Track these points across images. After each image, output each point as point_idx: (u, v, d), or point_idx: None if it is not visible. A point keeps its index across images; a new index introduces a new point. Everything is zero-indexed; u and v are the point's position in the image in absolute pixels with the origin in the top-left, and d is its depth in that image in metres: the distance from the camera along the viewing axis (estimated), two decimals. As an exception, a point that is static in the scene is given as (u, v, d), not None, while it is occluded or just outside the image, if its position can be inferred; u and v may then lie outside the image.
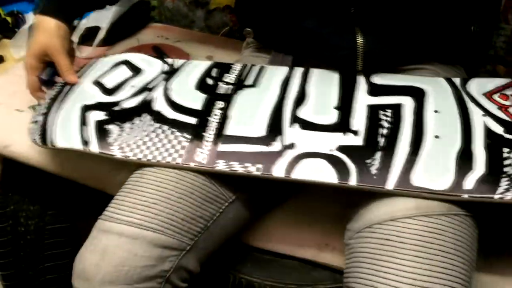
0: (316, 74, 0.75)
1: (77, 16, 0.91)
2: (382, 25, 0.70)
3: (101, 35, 1.13)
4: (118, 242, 0.60)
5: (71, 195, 1.00)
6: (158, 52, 1.13)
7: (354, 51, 0.72)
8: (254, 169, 0.62)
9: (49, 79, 0.84)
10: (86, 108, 0.74)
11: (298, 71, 0.76)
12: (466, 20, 0.73)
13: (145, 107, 0.73)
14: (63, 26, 0.82)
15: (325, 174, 0.60)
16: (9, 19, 1.22)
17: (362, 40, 0.71)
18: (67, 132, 0.71)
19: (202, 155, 0.64)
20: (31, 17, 1.18)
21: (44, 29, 0.81)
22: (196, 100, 0.72)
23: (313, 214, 0.77)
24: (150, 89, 0.76)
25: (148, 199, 0.62)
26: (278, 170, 0.61)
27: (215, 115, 0.69)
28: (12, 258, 1.04)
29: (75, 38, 1.13)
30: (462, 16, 0.71)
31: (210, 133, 0.67)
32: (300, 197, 0.79)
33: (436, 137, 0.62)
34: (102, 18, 1.16)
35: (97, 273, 0.59)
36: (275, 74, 0.76)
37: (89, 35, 1.15)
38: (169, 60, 0.84)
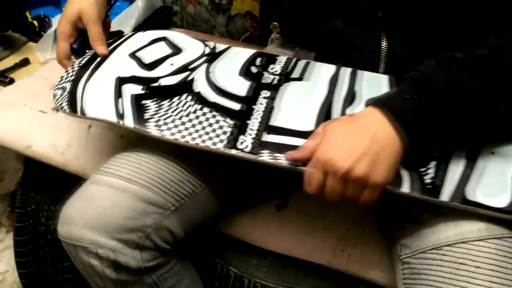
0: (364, 75, 0.72)
1: None
2: (408, 31, 0.69)
3: (123, 39, 1.14)
4: (105, 193, 0.62)
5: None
6: (179, 56, 1.14)
7: (378, 54, 0.71)
8: (300, 163, 0.59)
9: (80, 48, 0.79)
10: (122, 80, 0.71)
11: (346, 71, 0.73)
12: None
13: (185, 87, 0.69)
14: None
15: None
16: (35, 22, 1.25)
17: (386, 43, 0.71)
18: (100, 102, 0.67)
19: (245, 142, 0.61)
20: (57, 21, 1.19)
21: None
22: (240, 86, 0.69)
23: (329, 218, 0.77)
24: (191, 70, 0.73)
25: (140, 158, 0.65)
26: None
27: (261, 103, 0.66)
28: (32, 257, 1.05)
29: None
30: (491, 29, 0.69)
31: (254, 121, 0.64)
32: (316, 200, 0.79)
33: (492, 153, 0.60)
34: (125, 23, 1.18)
35: (80, 219, 0.62)
36: (322, 71, 0.73)
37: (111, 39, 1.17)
38: (211, 43, 0.80)
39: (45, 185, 1.03)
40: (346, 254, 0.73)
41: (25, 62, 1.15)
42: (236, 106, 0.66)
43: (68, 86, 0.71)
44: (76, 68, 0.75)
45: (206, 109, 0.65)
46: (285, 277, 0.74)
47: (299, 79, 0.71)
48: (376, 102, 0.57)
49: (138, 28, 1.18)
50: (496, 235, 0.54)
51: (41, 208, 1.03)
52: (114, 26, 1.17)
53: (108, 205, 0.62)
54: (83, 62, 0.76)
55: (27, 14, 1.27)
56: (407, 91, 0.57)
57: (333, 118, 0.63)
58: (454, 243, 0.55)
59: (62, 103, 0.68)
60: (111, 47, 0.78)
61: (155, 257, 0.66)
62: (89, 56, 0.77)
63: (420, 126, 0.55)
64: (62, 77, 0.74)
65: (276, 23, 0.83)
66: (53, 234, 1.03)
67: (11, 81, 1.07)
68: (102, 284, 0.66)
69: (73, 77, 0.72)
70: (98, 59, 0.76)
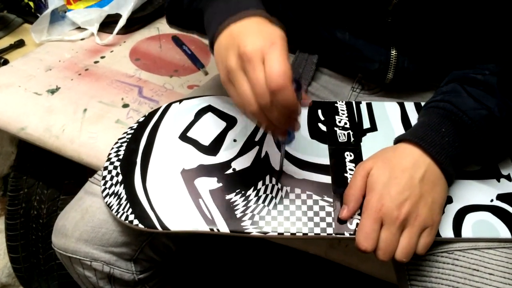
0: None
1: None
2: (418, 43, 0.66)
3: (121, 22, 1.12)
4: (101, 205, 0.61)
5: (84, 181, 1.00)
6: (178, 42, 1.13)
7: (386, 65, 0.68)
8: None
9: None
10: (189, 174, 0.60)
11: (410, 106, 0.68)
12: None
13: (263, 167, 0.61)
14: None
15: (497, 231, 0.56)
16: (31, 3, 1.22)
17: (396, 53, 0.67)
18: (179, 210, 0.57)
19: (356, 220, 0.55)
20: (53, 2, 1.17)
21: None
22: (320, 153, 0.62)
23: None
24: (258, 142, 0.64)
25: None
26: None
27: (350, 169, 0.60)
28: (23, 241, 1.04)
29: (96, 25, 1.13)
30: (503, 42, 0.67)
31: None
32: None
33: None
34: (123, 6, 1.16)
35: (75, 231, 0.61)
36: (389, 112, 0.68)
37: (109, 23, 1.15)
38: None
39: (38, 168, 1.01)
40: (342, 246, 0.72)
41: (20, 44, 1.13)
42: (326, 179, 0.59)
43: (121, 191, 0.60)
44: (116, 164, 0.63)
45: (297, 190, 0.58)
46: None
47: (373, 129, 0.66)
48: (412, 138, 0.55)
49: (136, 11, 1.16)
50: (505, 244, 0.55)
51: (33, 192, 1.02)
52: (111, 9, 1.16)
53: (103, 218, 0.61)
54: (121, 153, 0.64)
55: (23, -5, 1.24)
56: (440, 123, 0.56)
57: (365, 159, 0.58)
58: (466, 248, 0.55)
59: (128, 217, 0.57)
60: (148, 128, 0.67)
61: (149, 268, 0.66)
62: (123, 145, 0.66)
63: (460, 157, 0.55)
64: (104, 177, 0.62)
65: None
66: (45, 218, 1.02)
67: (5, 62, 1.05)
68: None
69: (120, 178, 0.61)
70: (141, 147, 0.64)
